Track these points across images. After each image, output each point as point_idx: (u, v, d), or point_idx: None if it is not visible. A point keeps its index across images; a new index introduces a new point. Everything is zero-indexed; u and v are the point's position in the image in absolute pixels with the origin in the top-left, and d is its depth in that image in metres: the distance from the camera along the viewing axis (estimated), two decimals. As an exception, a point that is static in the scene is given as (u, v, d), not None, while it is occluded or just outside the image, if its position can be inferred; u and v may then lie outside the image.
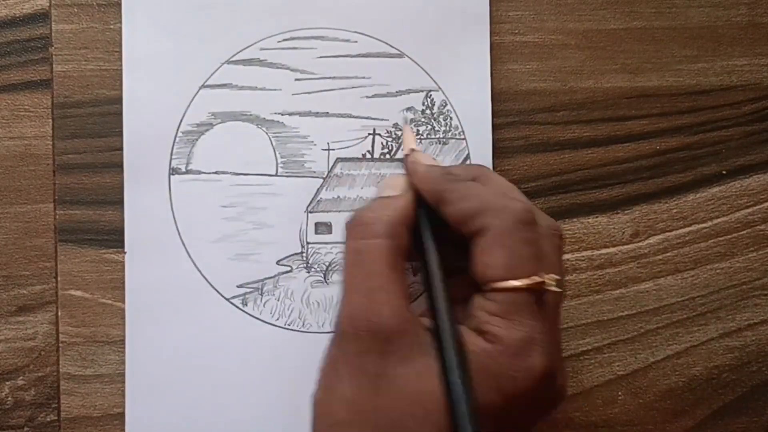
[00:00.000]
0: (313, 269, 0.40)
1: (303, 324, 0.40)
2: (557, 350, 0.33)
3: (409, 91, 0.40)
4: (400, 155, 0.41)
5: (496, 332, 0.31)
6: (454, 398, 0.30)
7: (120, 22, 0.39)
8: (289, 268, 0.40)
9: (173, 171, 0.39)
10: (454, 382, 0.30)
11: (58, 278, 0.39)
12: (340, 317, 0.32)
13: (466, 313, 0.33)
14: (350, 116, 0.40)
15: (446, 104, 0.41)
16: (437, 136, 0.41)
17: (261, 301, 0.40)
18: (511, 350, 0.31)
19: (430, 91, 0.41)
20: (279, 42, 0.40)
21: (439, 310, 0.32)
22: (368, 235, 0.33)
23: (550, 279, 0.32)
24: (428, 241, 0.34)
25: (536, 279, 0.31)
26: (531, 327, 0.31)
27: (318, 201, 0.40)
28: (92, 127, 0.39)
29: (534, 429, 0.34)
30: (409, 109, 0.40)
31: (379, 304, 0.31)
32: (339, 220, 0.40)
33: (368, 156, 0.40)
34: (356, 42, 0.40)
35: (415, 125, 0.41)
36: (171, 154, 0.39)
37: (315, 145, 0.40)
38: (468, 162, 0.41)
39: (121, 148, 0.39)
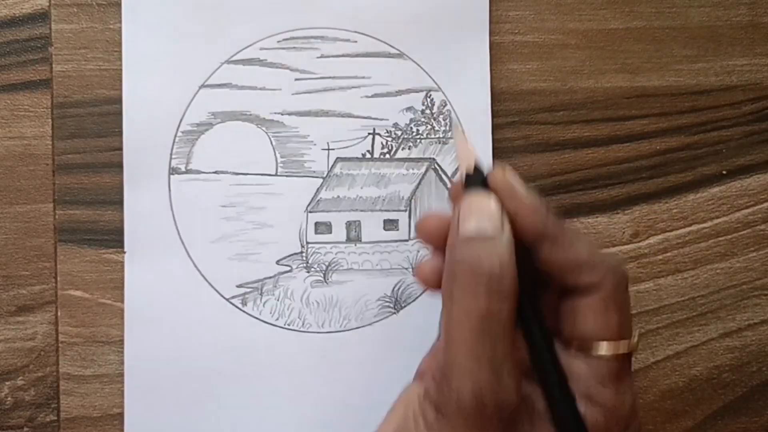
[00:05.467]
0: (312, 269, 0.40)
1: (303, 324, 0.40)
2: None
3: (409, 91, 0.40)
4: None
5: (609, 403, 0.29)
6: None
7: (120, 22, 0.39)
8: (288, 268, 0.40)
9: (173, 171, 0.39)
10: None
11: (58, 278, 0.39)
12: (460, 391, 0.27)
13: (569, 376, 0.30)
14: (350, 116, 0.40)
15: (446, 104, 0.41)
16: (437, 135, 0.41)
17: (261, 301, 0.40)
18: (623, 421, 0.29)
19: (430, 90, 0.41)
20: (279, 42, 0.40)
21: (554, 390, 0.29)
22: (500, 295, 0.28)
23: (637, 338, 0.30)
24: (533, 306, 0.30)
25: (634, 341, 0.30)
26: (633, 392, 0.30)
27: (318, 201, 0.40)
28: (92, 127, 0.39)
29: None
30: (408, 108, 0.40)
31: (507, 378, 0.27)
32: (339, 220, 0.40)
33: (368, 156, 0.40)
34: (356, 42, 0.40)
35: (415, 125, 0.41)
36: (171, 154, 0.39)
37: (315, 144, 0.40)
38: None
39: (120, 148, 0.39)
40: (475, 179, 0.31)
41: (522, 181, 0.31)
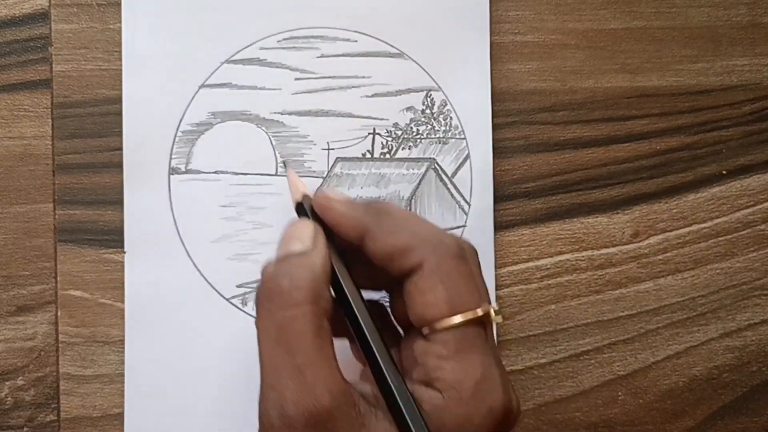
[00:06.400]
0: (312, 269, 0.40)
1: (303, 324, 0.40)
2: (508, 377, 0.30)
3: (409, 91, 0.40)
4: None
5: (449, 378, 0.28)
6: None
7: (120, 22, 0.39)
8: (288, 268, 0.40)
9: (173, 171, 0.39)
10: None
11: (58, 278, 0.39)
12: (266, 409, 0.28)
13: (407, 363, 0.30)
14: (350, 116, 0.40)
15: (446, 104, 0.41)
16: (437, 135, 0.41)
17: (261, 301, 0.40)
18: (467, 395, 0.28)
19: (430, 90, 0.41)
20: (279, 41, 0.40)
21: (384, 373, 0.29)
22: (288, 305, 0.28)
23: (493, 308, 0.29)
24: (354, 297, 0.31)
25: (481, 311, 0.29)
26: (484, 364, 0.28)
27: (318, 201, 0.40)
28: (92, 127, 0.39)
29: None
30: (409, 108, 0.40)
31: (311, 384, 0.27)
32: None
33: (368, 155, 0.40)
34: (356, 41, 0.40)
35: (415, 125, 0.41)
36: (171, 154, 0.39)
37: (315, 144, 0.40)
38: (469, 162, 0.41)
39: (120, 148, 0.39)
40: (303, 208, 0.33)
41: (342, 194, 0.33)
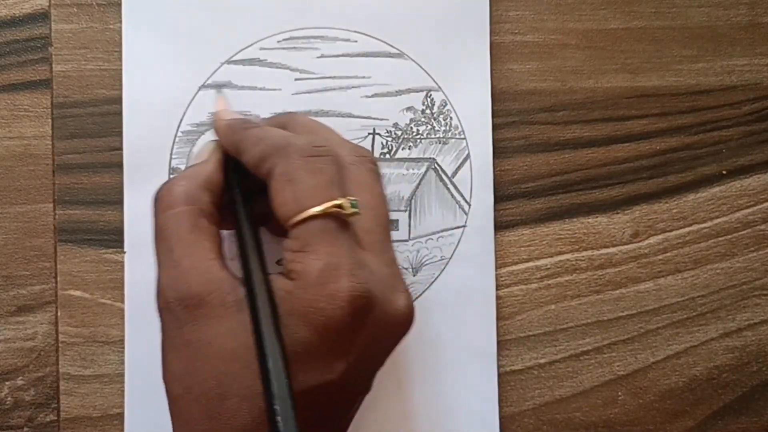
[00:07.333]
0: (312, 269, 0.40)
1: (303, 324, 0.40)
2: (383, 272, 0.32)
3: (409, 91, 0.40)
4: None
5: (297, 268, 0.30)
6: (258, 349, 0.29)
7: (120, 22, 0.39)
8: (288, 268, 0.40)
9: (173, 171, 0.39)
10: (257, 330, 0.29)
11: (58, 278, 0.39)
12: (156, 296, 0.32)
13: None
14: (350, 116, 0.40)
15: (446, 104, 0.41)
16: (437, 135, 0.41)
17: (261, 301, 0.40)
18: (311, 282, 0.30)
19: (430, 90, 0.41)
20: (279, 42, 0.40)
21: (244, 260, 0.32)
22: (166, 207, 0.32)
23: (346, 201, 0.31)
24: (236, 195, 0.34)
25: (328, 204, 0.31)
26: (329, 253, 0.30)
27: (318, 201, 0.40)
28: (92, 127, 0.39)
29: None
30: (409, 108, 0.40)
31: (184, 272, 0.31)
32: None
33: (368, 156, 0.40)
34: (356, 42, 0.40)
35: (415, 125, 0.41)
36: (171, 154, 0.39)
37: (315, 144, 0.40)
38: (469, 162, 0.41)
39: (120, 148, 0.39)
40: None
41: (234, 113, 0.36)
